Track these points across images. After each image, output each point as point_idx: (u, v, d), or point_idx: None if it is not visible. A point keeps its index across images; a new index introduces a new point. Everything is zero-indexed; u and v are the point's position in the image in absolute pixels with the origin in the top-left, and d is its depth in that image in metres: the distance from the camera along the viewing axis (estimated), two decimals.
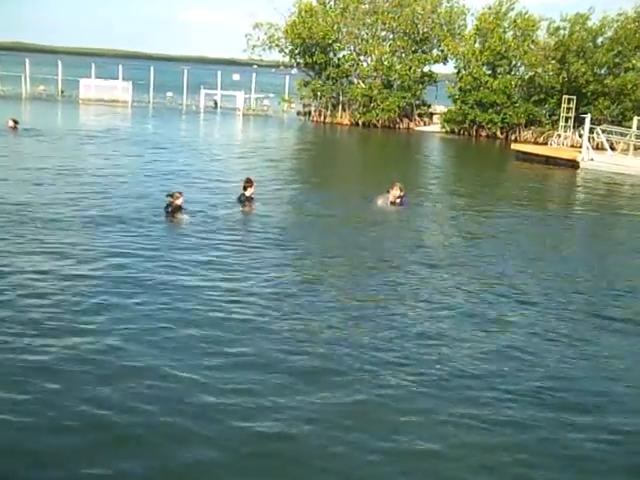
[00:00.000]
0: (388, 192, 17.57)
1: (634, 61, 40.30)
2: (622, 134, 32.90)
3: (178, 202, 14.99)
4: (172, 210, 14.87)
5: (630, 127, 33.97)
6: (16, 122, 28.81)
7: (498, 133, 43.49)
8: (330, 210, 17.06)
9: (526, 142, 40.10)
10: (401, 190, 17.57)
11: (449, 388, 7.69)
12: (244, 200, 16.55)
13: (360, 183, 22.16)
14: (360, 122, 45.38)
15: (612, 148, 32.33)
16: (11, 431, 6.38)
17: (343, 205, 17.75)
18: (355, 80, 46.39)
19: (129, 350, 8.11)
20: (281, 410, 6.99)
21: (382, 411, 7.13)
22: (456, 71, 44.77)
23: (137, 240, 12.98)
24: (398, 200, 17.49)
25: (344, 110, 46.54)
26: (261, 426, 6.68)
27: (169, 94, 53.94)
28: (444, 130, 45.14)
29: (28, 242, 12.29)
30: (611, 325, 10.03)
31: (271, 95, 54.58)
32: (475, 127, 43.83)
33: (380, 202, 17.52)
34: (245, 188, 16.64)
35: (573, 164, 30.15)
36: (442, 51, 45.56)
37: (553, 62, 41.07)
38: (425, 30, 44.91)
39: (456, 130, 44.50)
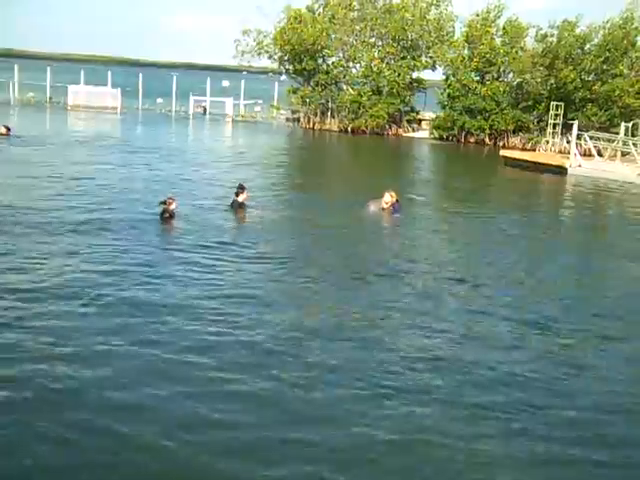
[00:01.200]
0: (380, 198, 17.57)
1: (621, 67, 40.53)
2: (610, 140, 33.05)
3: (171, 207, 14.99)
4: (167, 216, 14.87)
5: (617, 133, 34.11)
6: (8, 129, 28.73)
7: (486, 139, 43.56)
8: (322, 217, 17.03)
9: (514, 148, 40.16)
10: (393, 197, 17.56)
11: (447, 412, 7.40)
12: (236, 206, 16.56)
13: (350, 189, 22.13)
14: (349, 128, 45.45)
15: (600, 154, 32.49)
16: None
17: (335, 212, 17.72)
18: (344, 86, 46.46)
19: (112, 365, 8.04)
20: (270, 446, 6.61)
21: (375, 445, 6.74)
22: (445, 78, 44.91)
23: (133, 247, 12.98)
24: (390, 207, 17.48)
25: (333, 116, 46.54)
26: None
27: (159, 100, 53.88)
28: (432, 136, 45.23)
29: (19, 249, 12.15)
30: (605, 337, 9.94)
31: (260, 101, 54.60)
32: (463, 133, 43.91)
33: (372, 208, 17.49)
34: (237, 194, 16.65)
35: (561, 170, 30.25)
36: (431, 58, 45.65)
37: (541, 69, 41.26)
38: (414, 37, 45.02)
39: (444, 136, 44.59)
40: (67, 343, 8.38)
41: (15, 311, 9.25)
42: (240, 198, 16.62)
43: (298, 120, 48.35)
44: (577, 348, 9.42)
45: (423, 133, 46.49)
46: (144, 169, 23.16)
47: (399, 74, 44.49)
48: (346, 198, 19.56)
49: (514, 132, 42.98)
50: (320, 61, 46.49)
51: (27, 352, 8.07)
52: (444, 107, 44.62)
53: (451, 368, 8.42)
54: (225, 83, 61.52)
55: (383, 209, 17.46)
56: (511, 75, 43.85)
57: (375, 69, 44.96)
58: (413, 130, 47.16)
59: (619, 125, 35.35)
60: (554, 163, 31.28)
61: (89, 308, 9.60)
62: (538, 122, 42.12)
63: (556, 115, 36.93)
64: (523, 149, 40.12)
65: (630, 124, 34.34)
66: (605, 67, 40.65)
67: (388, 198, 17.51)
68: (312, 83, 46.23)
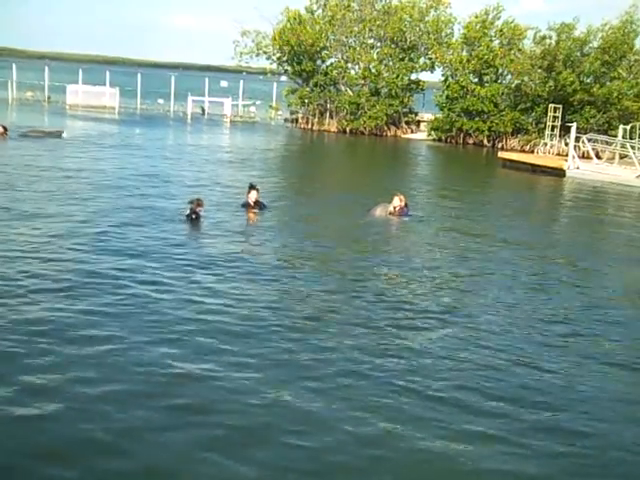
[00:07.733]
0: (389, 202, 17.51)
1: (620, 70, 40.62)
2: (608, 143, 33.10)
3: (199, 209, 15.11)
4: (195, 217, 15.00)
5: (616, 136, 34.19)
6: (5, 128, 28.62)
7: (485, 141, 43.67)
8: (332, 218, 17.19)
9: (513, 150, 40.25)
10: (402, 200, 17.49)
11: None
12: (246, 206, 16.70)
13: (353, 192, 21.82)
14: (347, 129, 45.49)
15: (598, 157, 32.51)
16: None
17: (344, 213, 17.79)
18: (343, 88, 46.51)
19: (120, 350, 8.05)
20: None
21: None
22: (443, 79, 45.01)
23: (158, 242, 13.17)
24: (399, 211, 17.44)
25: (331, 117, 46.63)
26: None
27: (160, 101, 53.90)
28: (431, 138, 45.31)
29: (36, 252, 11.99)
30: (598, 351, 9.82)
31: (258, 102, 54.66)
32: (462, 135, 44.01)
33: (379, 212, 17.42)
34: (248, 193, 16.78)
35: (559, 172, 30.29)
36: (429, 59, 45.78)
37: (539, 71, 41.33)
38: (412, 38, 45.13)
39: (443, 138, 44.67)
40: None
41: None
42: (251, 199, 16.71)
43: (296, 121, 48.41)
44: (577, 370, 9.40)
45: (422, 134, 46.56)
46: (146, 169, 23.04)
47: (397, 75, 44.58)
48: (351, 200, 19.49)
49: (512, 134, 43.06)
50: (319, 62, 46.60)
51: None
52: (442, 109, 44.69)
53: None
54: (224, 83, 61.59)
55: (391, 213, 17.42)
56: (509, 77, 43.95)
57: (374, 70, 45.03)
58: (412, 131, 47.23)
59: (617, 128, 35.45)
60: (552, 165, 31.33)
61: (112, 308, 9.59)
62: (536, 124, 42.21)
63: (554, 117, 37.00)
64: (521, 151, 40.18)
65: (628, 127, 34.45)
66: (604, 70, 40.75)
67: (397, 202, 17.34)
68: (311, 84, 46.29)
